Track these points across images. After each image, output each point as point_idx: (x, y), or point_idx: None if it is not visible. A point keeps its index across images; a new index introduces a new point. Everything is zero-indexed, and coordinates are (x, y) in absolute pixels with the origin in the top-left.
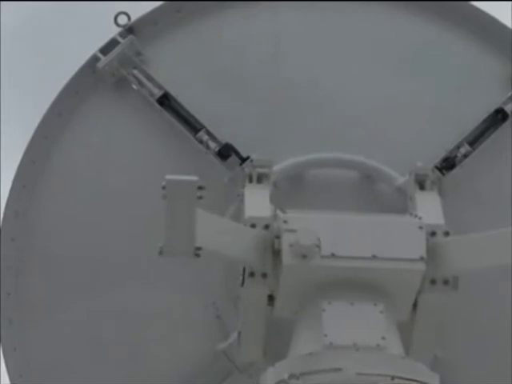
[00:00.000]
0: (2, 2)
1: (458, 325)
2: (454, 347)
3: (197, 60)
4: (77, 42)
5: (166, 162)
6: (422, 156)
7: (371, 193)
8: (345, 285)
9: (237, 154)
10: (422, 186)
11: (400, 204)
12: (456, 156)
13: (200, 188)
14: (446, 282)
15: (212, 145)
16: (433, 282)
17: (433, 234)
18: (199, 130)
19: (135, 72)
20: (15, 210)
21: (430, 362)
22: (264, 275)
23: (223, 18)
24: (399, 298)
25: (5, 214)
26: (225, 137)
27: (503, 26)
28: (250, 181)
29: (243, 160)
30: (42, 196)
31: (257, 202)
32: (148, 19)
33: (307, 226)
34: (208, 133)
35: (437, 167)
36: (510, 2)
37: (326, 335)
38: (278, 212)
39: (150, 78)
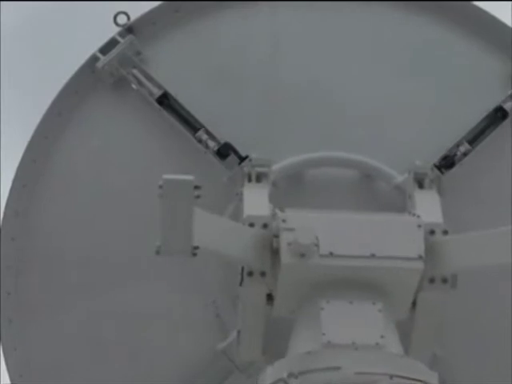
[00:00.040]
0: (2, 2)
1: (458, 323)
2: (454, 346)
3: (196, 60)
4: (76, 42)
5: (166, 161)
6: (422, 155)
7: (370, 192)
8: (343, 283)
9: (236, 153)
10: (421, 185)
11: (399, 203)
12: (455, 154)
13: (197, 187)
14: (444, 281)
15: (211, 144)
16: (431, 280)
17: (431, 232)
18: (198, 129)
19: (135, 71)
20: (15, 210)
21: (429, 360)
22: (263, 274)
23: (222, 18)
24: (398, 297)
25: (5, 213)
26: (224, 136)
27: (503, 25)
28: (249, 180)
29: (242, 159)
30: (42, 195)
31: (255, 201)
32: (147, 19)
33: (305, 224)
34: (207, 132)
35: (436, 166)
36: (509, 2)
37: (324, 334)
38: (277, 211)
39: (149, 78)
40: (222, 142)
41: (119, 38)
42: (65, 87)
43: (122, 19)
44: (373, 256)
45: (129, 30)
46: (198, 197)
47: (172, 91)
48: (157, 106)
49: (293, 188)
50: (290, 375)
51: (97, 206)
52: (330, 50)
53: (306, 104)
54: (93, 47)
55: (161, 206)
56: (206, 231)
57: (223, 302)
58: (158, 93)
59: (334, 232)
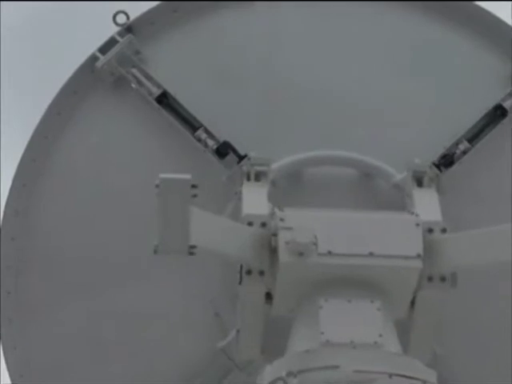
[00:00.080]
0: (2, 2)
1: (458, 322)
2: (454, 345)
3: (195, 59)
4: (76, 42)
5: (165, 160)
6: (421, 153)
7: (370, 190)
8: (342, 282)
9: (234, 152)
10: (419, 183)
11: (399, 201)
12: (454, 153)
13: (194, 186)
14: (443, 279)
15: (210, 143)
16: (430, 279)
17: (430, 230)
18: (197, 128)
19: (134, 71)
20: (15, 209)
21: (428, 359)
22: (261, 273)
23: (221, 17)
24: (396, 296)
25: (5, 212)
26: (223, 135)
27: (503, 23)
28: (248, 179)
29: (241, 158)
30: (42, 195)
31: (254, 200)
32: (146, 18)
33: (304, 223)
34: (206, 131)
35: (434, 164)
36: (509, 2)
37: (322, 333)
38: (276, 210)
39: (148, 77)
40: (221, 140)
41: (118, 38)
42: (64, 87)
43: (121, 19)
44: (371, 254)
45: (128, 29)
46: (195, 196)
47: (171, 90)
48: (156, 105)
49: (292, 187)
50: (289, 374)
51: (97, 206)
52: (329, 49)
53: (305, 103)
54: (92, 47)
55: (158, 204)
56: (203, 230)
57: (223, 301)
58: (157, 92)
59: (333, 231)
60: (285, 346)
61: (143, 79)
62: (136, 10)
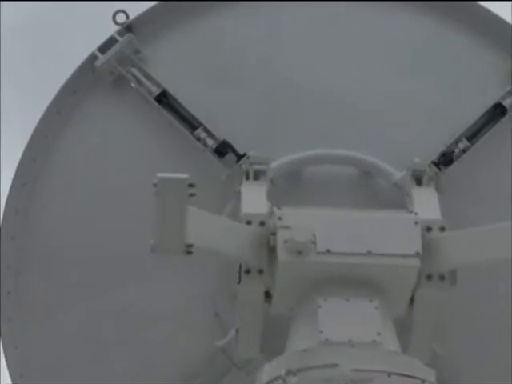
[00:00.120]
0: (2, 2)
1: (458, 321)
2: (454, 344)
3: (195, 58)
4: (76, 42)
5: (165, 159)
6: (422, 153)
7: (369, 189)
8: (340, 281)
9: (233, 151)
10: (419, 182)
11: (398, 200)
12: (453, 151)
13: (191, 185)
14: (442, 278)
15: (210, 142)
16: (429, 277)
17: (428, 229)
18: (197, 127)
19: (133, 70)
20: (15, 208)
21: (428, 358)
22: (260, 272)
23: (221, 17)
24: (395, 294)
25: (5, 212)
26: (223, 135)
27: (503, 22)
28: (247, 178)
29: (240, 157)
30: (41, 194)
31: (253, 198)
32: (146, 18)
33: (302, 222)
34: (206, 130)
35: (434, 163)
36: (509, 2)
37: (321, 331)
38: (275, 209)
39: (148, 77)
40: (221, 139)
41: (118, 37)
42: (64, 86)
43: (120, 18)
44: (369, 253)
45: (128, 28)
46: (192, 195)
47: (171, 90)
48: (155, 104)
49: (292, 186)
50: (288, 372)
51: (97, 205)
52: (329, 49)
53: (305, 103)
54: (92, 46)
55: (155, 203)
56: (201, 229)
57: (222, 300)
58: (156, 91)
59: (331, 229)
60: (284, 345)
61: (143, 78)
62: (136, 10)
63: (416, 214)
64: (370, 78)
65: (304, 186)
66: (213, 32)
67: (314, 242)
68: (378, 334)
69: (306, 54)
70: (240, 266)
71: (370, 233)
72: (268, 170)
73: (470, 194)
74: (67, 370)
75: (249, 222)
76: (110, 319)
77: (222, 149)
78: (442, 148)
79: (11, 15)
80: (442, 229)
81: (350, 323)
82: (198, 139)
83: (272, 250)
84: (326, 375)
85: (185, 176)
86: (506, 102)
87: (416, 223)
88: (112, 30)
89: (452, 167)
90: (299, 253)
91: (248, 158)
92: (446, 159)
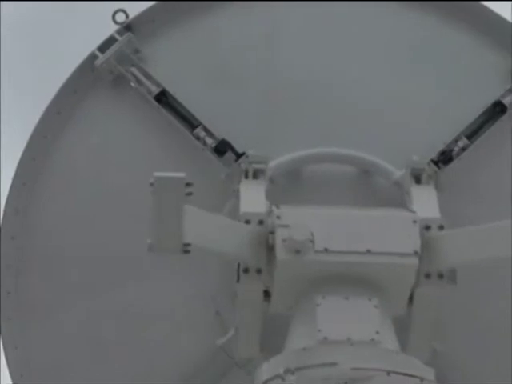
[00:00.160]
0: (2, 2)
1: (458, 319)
2: (454, 342)
3: (195, 57)
4: (76, 41)
5: (164, 158)
6: (422, 152)
7: (369, 188)
8: (339, 279)
9: (232, 149)
10: (418, 180)
11: (398, 199)
12: (453, 149)
13: (188, 184)
14: (440, 276)
15: (209, 141)
16: (428, 276)
17: (427, 227)
18: (196, 126)
19: (133, 69)
20: (15, 208)
21: (427, 356)
22: (259, 271)
23: (221, 16)
24: (394, 293)
25: (5, 211)
26: (222, 134)
27: (503, 20)
28: (246, 177)
29: (239, 156)
30: (41, 194)
31: (252, 197)
32: (146, 17)
33: (300, 221)
34: (205, 129)
35: (433, 161)
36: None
37: (319, 330)
38: (273, 208)
39: (147, 76)
40: (220, 138)
41: (117, 36)
42: (64, 86)
43: (120, 17)
44: (368, 252)
45: (127, 27)
46: (189, 194)
47: (170, 89)
48: (155, 103)
49: (291, 184)
50: (287, 371)
51: (96, 205)
52: (329, 49)
53: (305, 103)
54: (92, 46)
55: (152, 203)
56: (198, 228)
57: (223, 299)
58: (156, 90)
59: (329, 228)
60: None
61: (142, 78)
62: (135, 9)
63: (414, 212)
64: (370, 78)
65: (304, 184)
66: (212, 31)
67: (312, 241)
68: (377, 332)
69: (305, 53)
70: (238, 265)
71: (369, 231)
72: (267, 169)
73: (469, 192)
74: (67, 370)
75: (247, 221)
76: (110, 319)
77: (221, 148)
78: (441, 144)
79: (11, 15)
80: (441, 227)
81: (348, 322)
82: (198, 138)
83: (270, 249)
84: (325, 374)
85: (182, 175)
86: (506, 100)
87: (414, 222)
88: (111, 29)
89: (451, 165)
90: (297, 252)
91: (247, 156)
92: (445, 157)
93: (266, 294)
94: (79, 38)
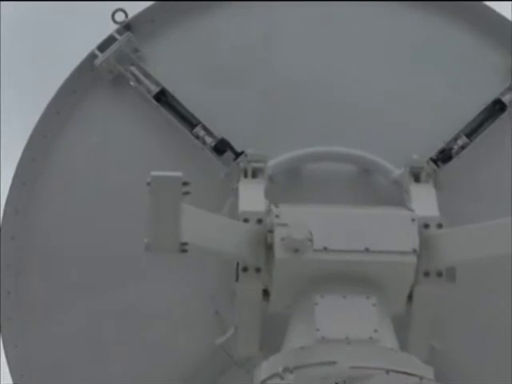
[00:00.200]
0: (2, 2)
1: (457, 318)
2: (453, 340)
3: (194, 57)
4: (76, 41)
5: (164, 158)
6: (422, 151)
7: (368, 186)
8: (337, 278)
9: (231, 148)
10: (417, 179)
11: (397, 197)
12: (452, 148)
13: (185, 184)
14: (439, 274)
15: (208, 140)
16: (426, 274)
17: (426, 226)
18: (195, 125)
19: (132, 69)
20: (15, 208)
21: (426, 355)
22: (257, 270)
23: (220, 16)
24: (392, 291)
25: (5, 211)
26: (222, 133)
27: (503, 18)
28: (245, 176)
29: (238, 155)
30: (41, 194)
31: (251, 196)
32: (145, 16)
33: (299, 219)
34: (204, 128)
35: (432, 159)
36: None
37: (318, 329)
38: (272, 206)
39: (147, 75)
40: (219, 137)
41: (117, 36)
42: (63, 85)
43: (119, 16)
44: (367, 250)
45: (127, 27)
46: (186, 193)
47: (169, 88)
48: (154, 102)
49: (290, 183)
50: (286, 370)
51: (96, 204)
52: (329, 49)
53: (305, 103)
54: (91, 45)
55: (149, 202)
56: (196, 227)
57: (222, 298)
58: (155, 90)
59: (328, 226)
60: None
61: (142, 77)
62: (135, 8)
63: (413, 210)
64: (370, 78)
65: (303, 183)
66: (212, 31)
67: (310, 240)
68: (375, 331)
69: (304, 52)
70: (237, 264)
71: (367, 230)
72: (266, 168)
73: (469, 190)
74: (67, 370)
75: (246, 220)
76: (110, 319)
77: (221, 147)
78: (441, 143)
79: (11, 15)
80: (440, 226)
81: (346, 320)
82: (197, 137)
83: (269, 248)
84: (323, 373)
85: (179, 174)
86: (506, 98)
87: (413, 220)
88: (111, 28)
89: (451, 164)
90: (296, 250)
91: (246, 155)
92: (444, 156)
93: (265, 292)
94: (79, 37)
